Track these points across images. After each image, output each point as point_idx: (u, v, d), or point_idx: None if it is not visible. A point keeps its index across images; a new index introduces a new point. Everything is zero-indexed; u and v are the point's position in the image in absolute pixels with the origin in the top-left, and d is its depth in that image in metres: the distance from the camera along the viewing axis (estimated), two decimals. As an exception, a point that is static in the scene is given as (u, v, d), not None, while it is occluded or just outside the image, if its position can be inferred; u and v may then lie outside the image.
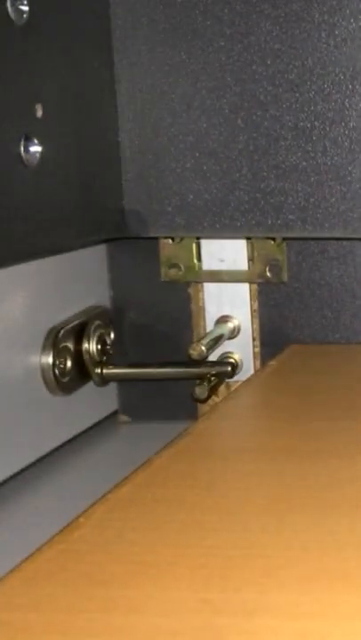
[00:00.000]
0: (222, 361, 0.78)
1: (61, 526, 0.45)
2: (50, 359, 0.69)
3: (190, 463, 0.53)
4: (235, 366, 0.77)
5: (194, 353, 0.72)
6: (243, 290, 0.78)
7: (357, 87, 0.68)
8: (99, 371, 0.75)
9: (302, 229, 0.71)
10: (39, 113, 0.61)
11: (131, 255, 0.79)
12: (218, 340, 0.76)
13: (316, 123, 0.69)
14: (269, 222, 0.72)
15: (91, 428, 0.77)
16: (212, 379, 0.75)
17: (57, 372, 0.70)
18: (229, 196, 0.72)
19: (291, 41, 0.69)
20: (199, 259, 0.78)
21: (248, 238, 0.76)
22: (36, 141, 0.60)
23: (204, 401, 0.76)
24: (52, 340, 0.70)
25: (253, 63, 0.69)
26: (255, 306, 0.78)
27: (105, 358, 0.76)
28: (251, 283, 0.78)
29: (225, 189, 0.72)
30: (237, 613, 0.37)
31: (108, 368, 0.76)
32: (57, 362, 0.70)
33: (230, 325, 0.78)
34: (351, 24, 0.68)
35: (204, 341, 0.74)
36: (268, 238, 0.76)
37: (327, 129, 0.69)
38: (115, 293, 0.79)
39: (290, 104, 0.69)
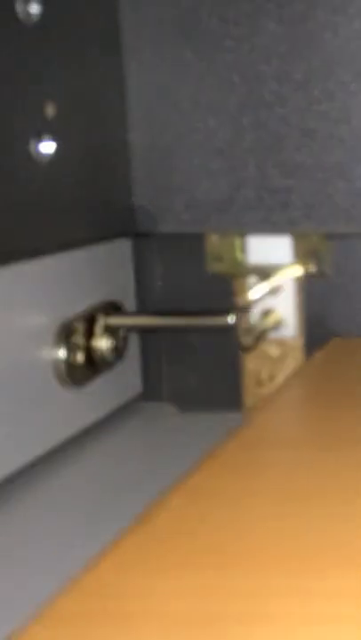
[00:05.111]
0: (222, 310, 0.77)
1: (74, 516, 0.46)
2: (62, 352, 0.70)
3: (255, 453, 0.54)
4: (271, 316, 0.78)
5: (241, 303, 0.73)
6: (287, 283, 0.78)
7: (361, 86, 0.69)
8: (104, 321, 0.75)
9: (308, 225, 0.72)
10: (50, 112, 0.62)
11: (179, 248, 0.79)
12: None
13: (320, 121, 0.70)
14: (275, 219, 0.72)
15: (102, 420, 0.78)
16: (259, 328, 0.76)
17: (69, 365, 0.71)
18: (236, 193, 0.73)
19: (296, 41, 0.70)
20: (244, 253, 0.78)
21: (291, 233, 0.76)
22: (46, 139, 0.61)
23: (250, 350, 0.77)
24: (65, 334, 0.70)
25: (259, 63, 0.70)
26: (299, 299, 0.79)
27: (116, 353, 0.77)
28: (295, 276, 0.78)
29: (231, 187, 0.73)
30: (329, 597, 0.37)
31: (113, 317, 0.76)
32: (69, 355, 0.71)
33: (274, 282, 0.78)
34: (355, 24, 0.69)
35: (251, 292, 0.74)
36: (311, 233, 0.75)
37: (332, 128, 0.70)
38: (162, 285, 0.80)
39: (295, 103, 0.70)
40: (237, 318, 0.75)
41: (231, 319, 0.76)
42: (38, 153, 0.61)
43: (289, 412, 0.63)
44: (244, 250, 0.78)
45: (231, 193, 0.72)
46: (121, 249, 0.80)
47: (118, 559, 0.41)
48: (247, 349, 0.76)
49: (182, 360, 0.81)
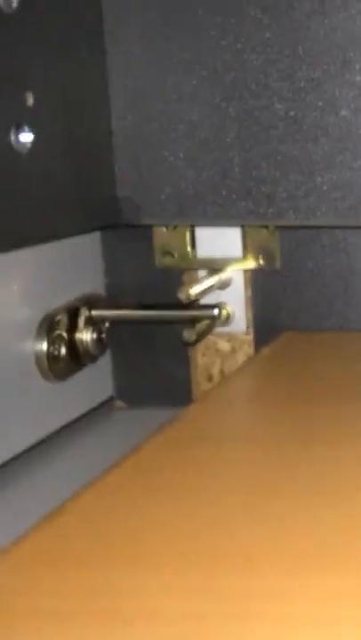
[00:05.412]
0: (209, 304, 0.78)
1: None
2: (44, 346, 0.70)
3: (179, 450, 0.54)
4: (222, 311, 0.78)
5: (182, 296, 0.73)
6: (236, 277, 0.78)
7: (348, 76, 0.68)
8: (87, 313, 0.75)
9: (294, 218, 0.72)
10: (30, 101, 0.61)
11: (125, 242, 0.79)
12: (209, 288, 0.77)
13: (306, 112, 0.69)
14: (261, 211, 0.72)
15: (85, 415, 0.78)
16: (203, 322, 0.76)
17: (51, 358, 0.70)
18: (221, 184, 0.72)
19: (281, 30, 0.69)
20: (193, 246, 0.78)
21: (242, 226, 0.76)
22: (26, 130, 0.61)
23: (193, 344, 0.77)
24: (47, 327, 0.70)
25: (244, 52, 0.70)
26: (249, 293, 0.78)
27: (100, 346, 0.77)
28: (244, 270, 0.78)
29: (217, 178, 0.72)
30: (221, 598, 0.37)
31: (96, 310, 0.76)
32: (51, 348, 0.70)
33: (222, 276, 0.78)
34: (341, 12, 0.68)
35: (193, 286, 0.74)
36: (261, 226, 0.76)
37: (318, 118, 0.69)
38: (109, 280, 0.80)
39: (281, 93, 0.70)
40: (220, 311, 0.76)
41: (217, 311, 0.76)
42: (19, 143, 0.60)
43: (223, 407, 0.63)
44: (193, 243, 0.78)
45: (216, 184, 0.72)
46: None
47: (17, 557, 0.41)
48: (191, 344, 0.77)
49: (129, 353, 0.81)
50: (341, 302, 0.77)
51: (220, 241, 0.77)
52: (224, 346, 0.80)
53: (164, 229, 0.77)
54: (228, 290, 0.78)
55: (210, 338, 0.79)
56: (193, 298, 0.73)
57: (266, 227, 0.76)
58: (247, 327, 0.79)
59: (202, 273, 0.78)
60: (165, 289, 0.79)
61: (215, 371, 0.80)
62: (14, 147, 0.60)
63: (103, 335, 0.77)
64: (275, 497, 0.47)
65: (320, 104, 0.69)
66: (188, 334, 0.74)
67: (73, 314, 0.74)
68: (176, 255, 0.78)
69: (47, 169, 0.64)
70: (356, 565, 0.39)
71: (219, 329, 0.78)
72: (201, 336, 0.76)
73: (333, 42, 0.68)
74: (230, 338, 0.79)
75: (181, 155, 0.72)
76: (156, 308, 0.78)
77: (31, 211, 0.62)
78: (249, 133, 0.71)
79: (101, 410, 0.80)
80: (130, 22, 0.71)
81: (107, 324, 0.78)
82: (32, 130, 0.61)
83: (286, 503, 0.46)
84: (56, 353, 0.71)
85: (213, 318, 0.76)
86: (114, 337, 0.80)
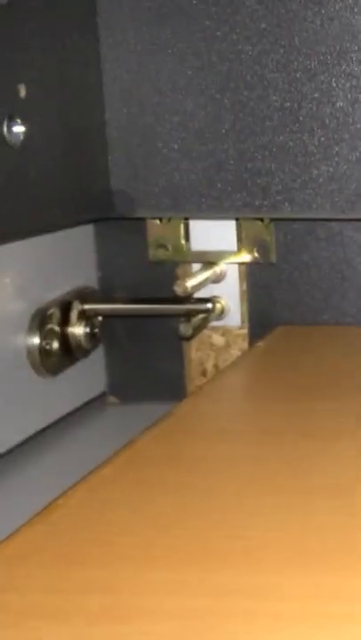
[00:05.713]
0: (203, 298, 0.77)
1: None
2: (36, 340, 0.69)
3: (173, 444, 0.53)
4: (216, 305, 0.77)
5: (178, 290, 0.72)
6: (231, 270, 0.78)
7: (344, 67, 0.68)
8: (80, 307, 0.75)
9: (290, 210, 0.71)
10: (22, 93, 0.61)
11: (118, 235, 0.79)
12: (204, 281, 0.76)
13: (302, 103, 0.69)
14: (256, 203, 0.71)
15: (78, 410, 0.77)
16: (198, 316, 0.75)
17: (43, 353, 0.70)
18: (216, 176, 0.71)
19: (277, 20, 0.68)
20: (187, 239, 0.77)
21: (236, 219, 0.76)
22: (19, 121, 0.60)
23: (189, 338, 0.77)
24: (39, 321, 0.69)
25: (239, 43, 0.69)
26: (243, 287, 0.78)
27: (93, 340, 0.76)
28: (239, 264, 0.77)
29: (211, 170, 0.71)
30: (213, 595, 0.37)
31: (89, 304, 0.75)
32: (43, 343, 0.70)
33: (217, 269, 0.77)
34: (338, 2, 0.67)
35: (190, 279, 0.74)
36: (256, 219, 0.75)
37: (314, 109, 0.69)
38: (102, 274, 0.79)
39: (276, 84, 0.69)
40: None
41: (211, 305, 0.75)
42: (11, 135, 0.59)
43: (218, 402, 0.62)
44: (187, 236, 0.77)
45: (211, 176, 0.71)
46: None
47: (10, 550, 0.41)
48: (187, 338, 0.76)
49: (122, 348, 0.80)
50: (338, 296, 0.76)
51: (214, 234, 0.77)
52: (218, 340, 0.79)
53: (158, 222, 0.77)
54: (222, 283, 0.78)
55: (204, 332, 0.78)
56: (190, 291, 0.72)
57: (261, 219, 0.75)
58: (242, 321, 0.78)
59: (196, 266, 0.78)
60: (159, 282, 0.78)
61: (209, 365, 0.79)
62: (7, 138, 0.59)
63: (96, 329, 0.76)
64: (271, 492, 0.46)
65: (316, 95, 0.68)
66: (185, 328, 0.73)
67: (65, 308, 0.73)
68: (170, 248, 0.77)
69: (40, 161, 0.64)
70: (356, 562, 0.39)
71: (213, 323, 0.78)
72: (197, 330, 0.75)
73: (330, 32, 0.67)
74: (225, 332, 0.79)
75: (176, 146, 0.71)
76: (150, 301, 0.78)
77: (23, 203, 0.62)
78: (244, 124, 0.70)
79: (94, 405, 0.80)
80: (124, 13, 0.70)
81: (100, 318, 0.77)
82: (25, 122, 0.60)
83: (283, 498, 0.45)
84: (48, 347, 0.71)
85: (208, 312, 0.76)
86: (107, 331, 0.79)
